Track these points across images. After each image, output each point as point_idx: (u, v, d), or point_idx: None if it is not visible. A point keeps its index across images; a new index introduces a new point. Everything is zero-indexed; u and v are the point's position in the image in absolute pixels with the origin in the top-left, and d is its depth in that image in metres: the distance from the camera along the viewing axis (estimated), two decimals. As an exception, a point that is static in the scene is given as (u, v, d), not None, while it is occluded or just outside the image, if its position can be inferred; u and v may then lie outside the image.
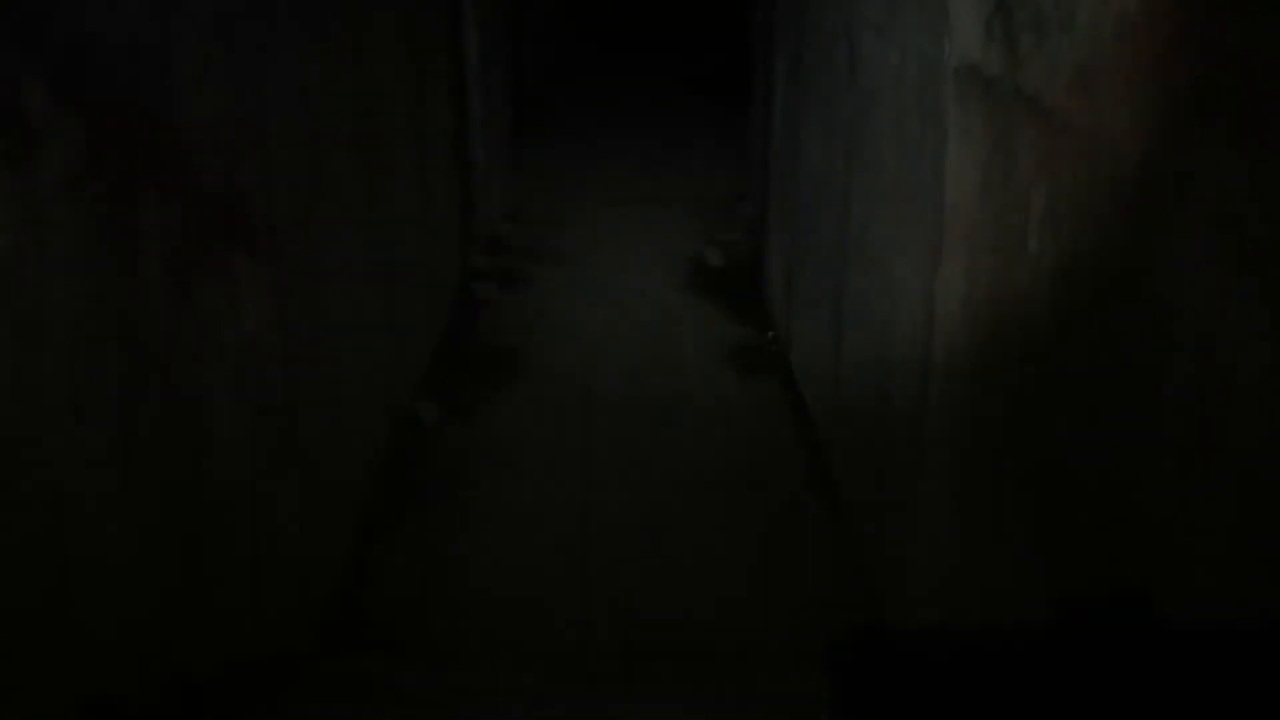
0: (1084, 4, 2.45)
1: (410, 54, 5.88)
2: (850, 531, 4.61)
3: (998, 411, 2.98)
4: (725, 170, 9.96)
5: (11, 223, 2.29)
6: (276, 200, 3.73)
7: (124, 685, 2.79)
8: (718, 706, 3.50)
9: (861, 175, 4.40)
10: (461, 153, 7.36)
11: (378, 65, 5.16)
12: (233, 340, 3.42)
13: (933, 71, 3.42)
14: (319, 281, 4.23)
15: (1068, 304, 2.55)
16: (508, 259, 8.14)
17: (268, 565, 3.71)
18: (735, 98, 11.17)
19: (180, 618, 3.09)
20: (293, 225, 3.89)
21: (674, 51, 15.18)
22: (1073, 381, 2.50)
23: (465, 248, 7.57)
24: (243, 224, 3.48)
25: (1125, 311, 2.24)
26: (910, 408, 3.70)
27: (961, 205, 3.23)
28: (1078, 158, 2.50)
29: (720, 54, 13.27)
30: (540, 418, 5.90)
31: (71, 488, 2.53)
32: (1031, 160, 2.76)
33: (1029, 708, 2.57)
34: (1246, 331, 1.79)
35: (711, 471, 5.35)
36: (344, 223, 4.59)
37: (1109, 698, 2.24)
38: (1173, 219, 2.05)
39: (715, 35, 14.52)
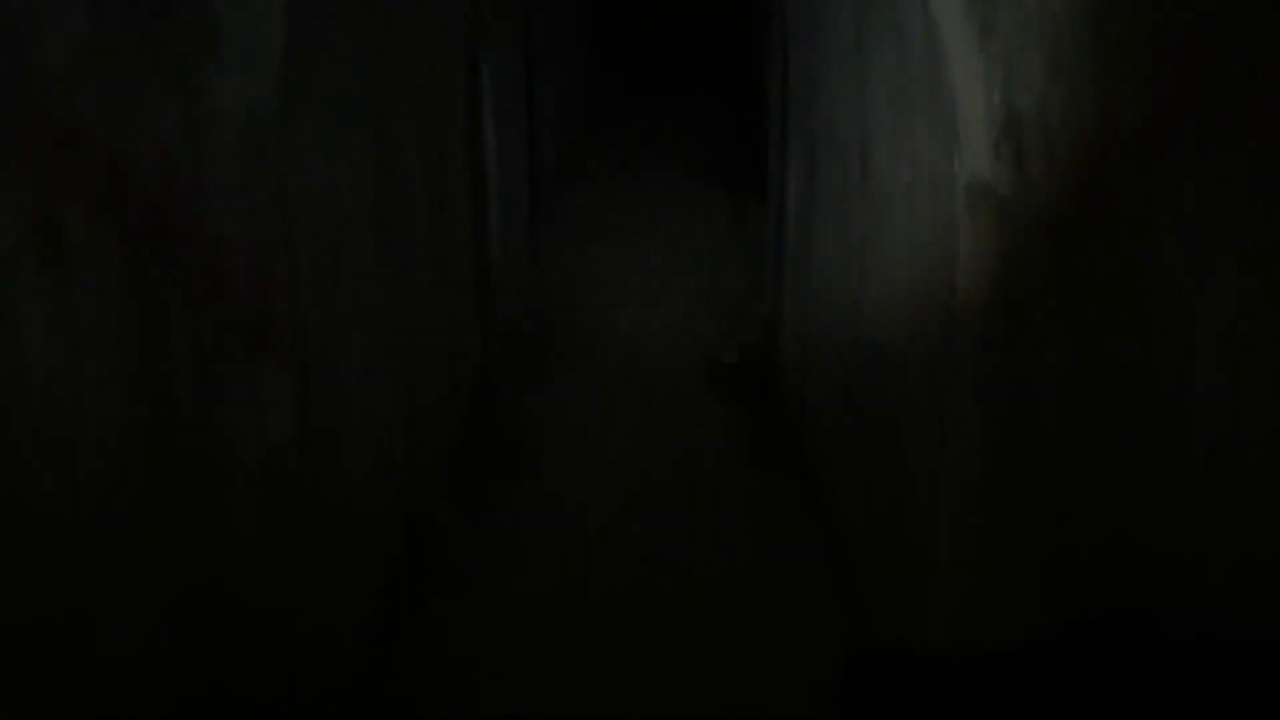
0: (1087, 130, 2.52)
1: (430, 158, 6.00)
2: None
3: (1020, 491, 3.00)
4: (738, 262, 10.05)
5: (51, 341, 2.35)
6: (301, 307, 3.80)
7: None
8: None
9: (876, 281, 4.47)
10: (480, 249, 7.47)
11: (399, 170, 5.27)
12: (256, 450, 3.47)
13: (944, 185, 3.50)
14: (341, 387, 4.29)
15: (1079, 405, 2.59)
16: (526, 354, 8.20)
17: (287, 662, 3.72)
18: (749, 189, 11.32)
19: (208, 705, 3.10)
20: (317, 332, 3.97)
21: (689, 141, 15.38)
22: (1082, 468, 2.53)
23: (484, 343, 7.64)
24: (269, 332, 3.55)
25: (1136, 417, 2.28)
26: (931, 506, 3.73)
27: (971, 311, 3.29)
28: (1087, 274, 2.56)
29: (735, 146, 13.46)
30: (557, 522, 5.91)
31: (93, 599, 2.56)
32: (1042, 274, 2.82)
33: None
34: (1249, 440, 1.83)
35: (725, 574, 5.35)
36: (366, 326, 4.66)
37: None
38: (1182, 335, 2.10)
39: (730, 129, 14.73)
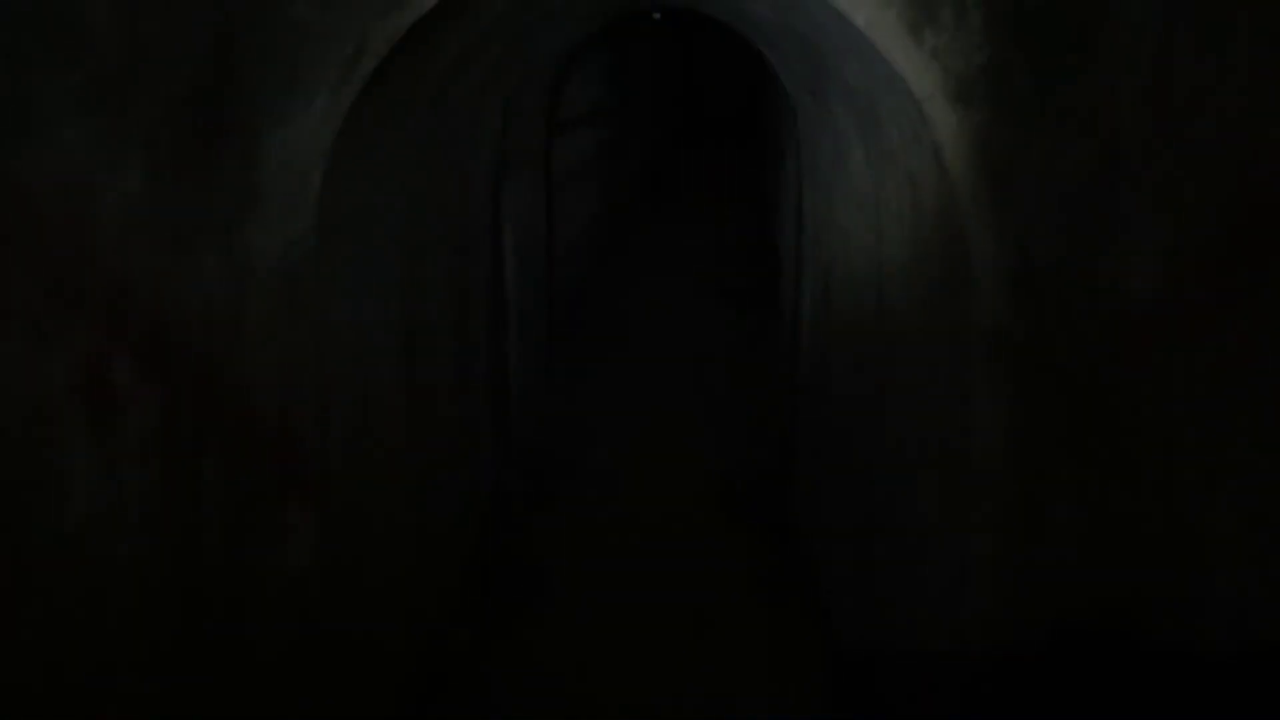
0: (1101, 291, 2.61)
1: (454, 287, 6.14)
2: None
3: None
4: (752, 384, 10.14)
5: (93, 491, 2.43)
6: (329, 441, 3.88)
7: None
8: None
9: (891, 420, 4.53)
10: (499, 376, 7.58)
11: (426, 301, 5.40)
12: (279, 585, 3.52)
13: (959, 330, 3.58)
14: (361, 519, 4.34)
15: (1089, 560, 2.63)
16: (541, 480, 8.25)
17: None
18: (764, 310, 11.47)
19: None
20: (341, 466, 4.03)
21: (705, 263, 15.63)
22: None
23: (500, 470, 7.70)
24: (295, 470, 3.62)
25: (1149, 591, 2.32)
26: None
27: (987, 460, 3.34)
28: (1101, 433, 2.62)
29: (750, 270, 13.67)
30: (568, 652, 5.90)
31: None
32: (1054, 427, 2.88)
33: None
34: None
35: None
36: (389, 456, 4.73)
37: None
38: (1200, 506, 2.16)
39: (745, 253, 14.98)
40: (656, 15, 9.43)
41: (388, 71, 3.85)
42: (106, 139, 2.43)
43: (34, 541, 2.24)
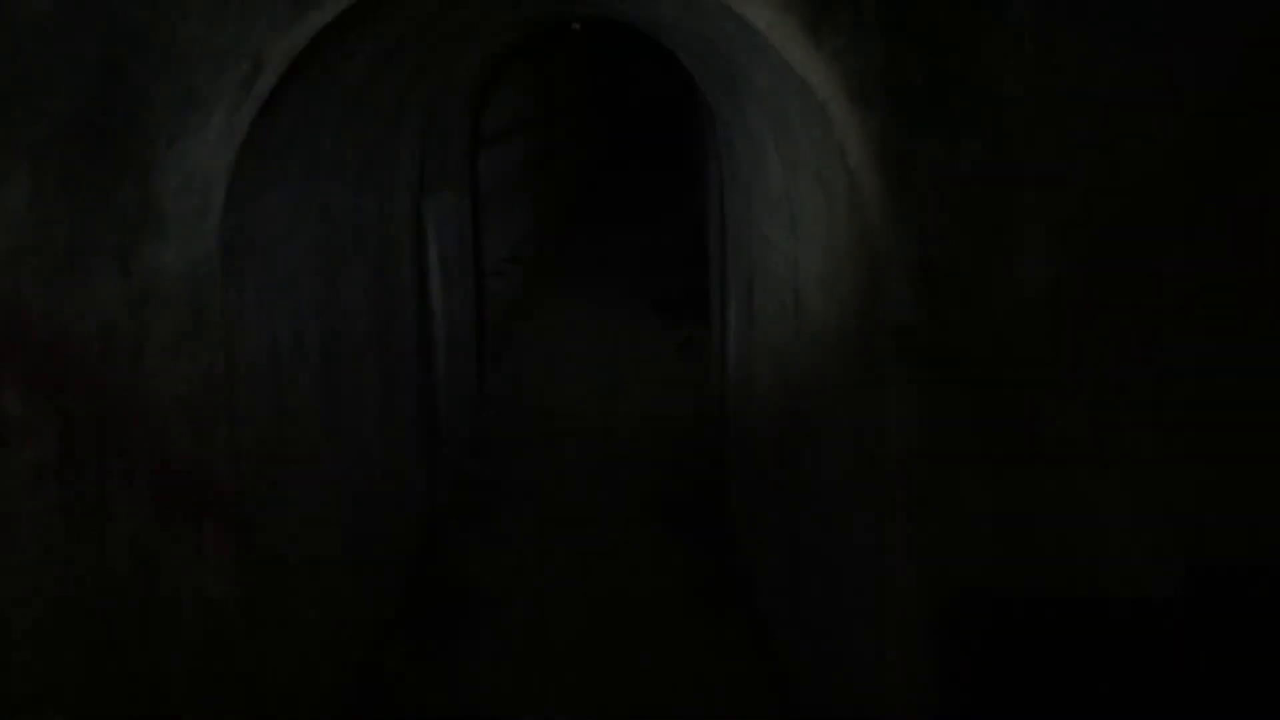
0: (993, 283, 2.64)
1: (376, 304, 6.08)
2: None
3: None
4: (684, 392, 10.17)
5: (-17, 520, 2.36)
6: (244, 465, 3.82)
7: None
8: None
9: (812, 421, 4.56)
10: (427, 393, 7.52)
11: (346, 319, 5.34)
12: (198, 610, 3.45)
13: (870, 328, 3.60)
14: (285, 542, 4.27)
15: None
16: (471, 496, 8.19)
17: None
18: (695, 319, 11.49)
19: None
20: (259, 487, 3.97)
21: (635, 274, 15.66)
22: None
23: (431, 487, 7.63)
24: (209, 494, 3.55)
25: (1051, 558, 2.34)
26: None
27: (902, 449, 3.36)
28: (1002, 423, 2.65)
29: (681, 279, 13.72)
30: (504, 675, 5.86)
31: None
32: (966, 411, 2.91)
33: None
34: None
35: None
36: (311, 477, 4.66)
37: None
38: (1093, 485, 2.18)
39: (676, 262, 15.03)
40: (576, 26, 9.42)
41: (290, 86, 3.80)
42: (-14, 161, 2.38)
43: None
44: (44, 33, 2.51)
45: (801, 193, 4.42)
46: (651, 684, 5.65)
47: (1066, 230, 2.59)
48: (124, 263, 3.03)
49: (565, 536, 7.60)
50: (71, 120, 2.71)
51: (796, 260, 4.71)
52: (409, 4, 4.55)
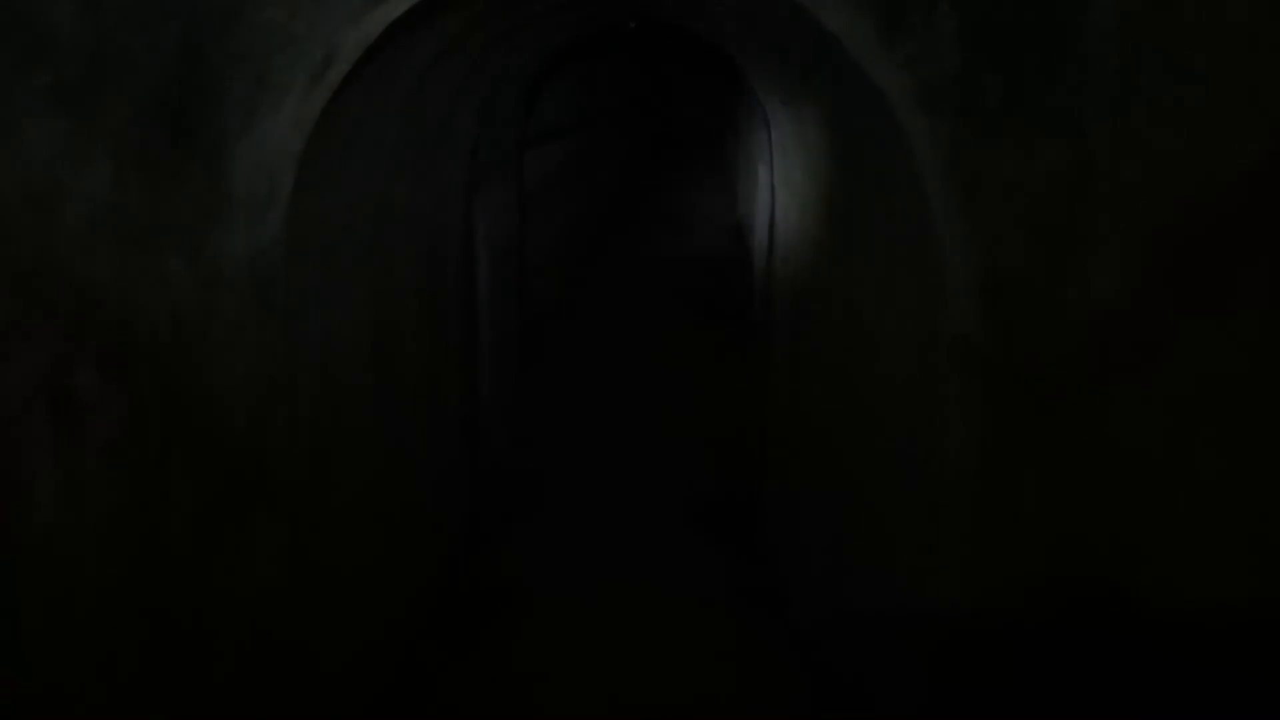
0: (1066, 296, 2.62)
1: (426, 299, 6.11)
2: None
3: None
4: (724, 400, 10.14)
5: (55, 497, 2.39)
6: (298, 453, 3.84)
7: None
8: None
9: (863, 430, 4.54)
10: (471, 390, 7.54)
11: (397, 313, 5.37)
12: (249, 597, 3.48)
13: (931, 339, 3.58)
14: (332, 531, 4.30)
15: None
16: (513, 494, 8.22)
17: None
18: (739, 323, 11.45)
19: None
20: (311, 476, 4.00)
21: (677, 275, 15.63)
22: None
23: (472, 484, 7.66)
24: (265, 479, 3.58)
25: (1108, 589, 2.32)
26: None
27: (961, 459, 3.34)
28: (1066, 436, 2.63)
29: (724, 282, 13.67)
30: (540, 667, 5.88)
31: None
32: (1028, 426, 2.89)
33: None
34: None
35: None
36: (360, 468, 4.69)
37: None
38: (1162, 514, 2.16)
39: (715, 262, 14.99)
40: (632, 25, 9.43)
41: (358, 77, 3.82)
42: (72, 141, 2.40)
43: (-4, 548, 2.21)
44: (127, 15, 2.54)
45: (861, 199, 4.41)
46: (689, 694, 5.65)
47: (1145, 244, 2.56)
48: (195, 245, 3.06)
49: (602, 534, 7.61)
50: (150, 103, 2.74)
51: (852, 267, 4.70)
52: (462, 10, 4.57)
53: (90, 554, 2.54)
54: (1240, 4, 2.69)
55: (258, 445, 3.53)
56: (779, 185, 7.00)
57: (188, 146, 2.97)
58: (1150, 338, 2.40)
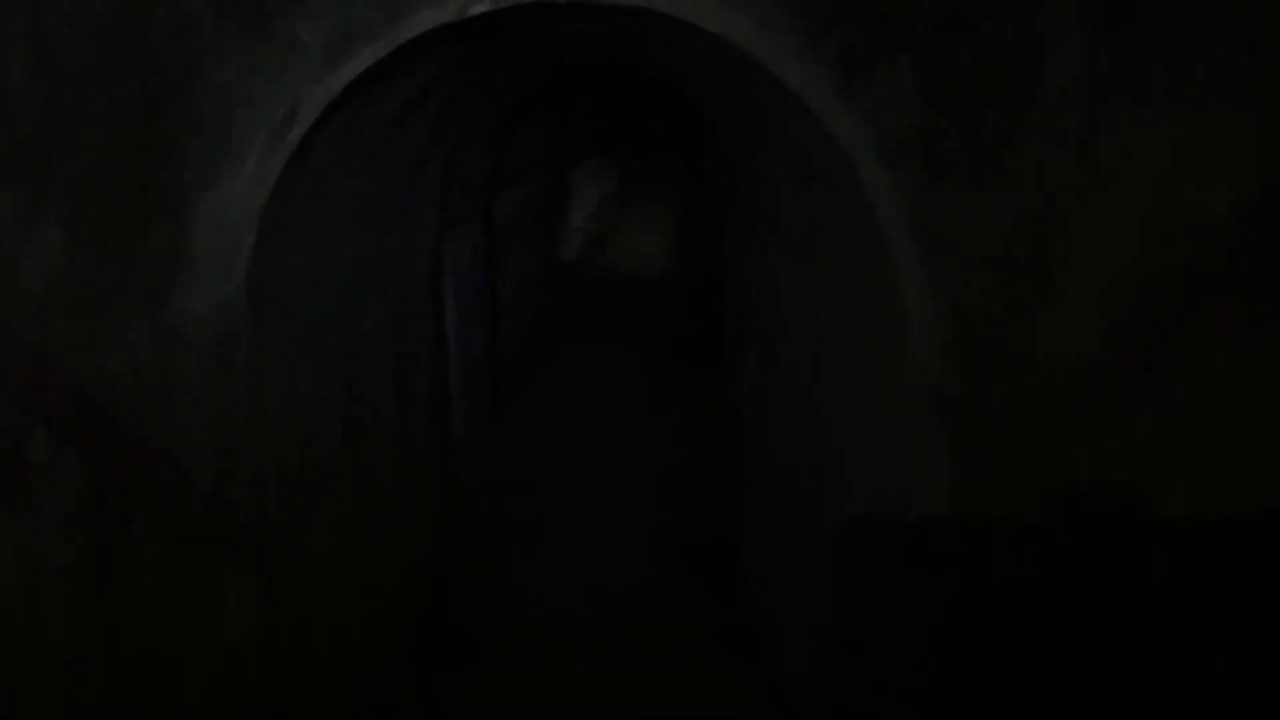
0: (1030, 344, 2.63)
1: (395, 343, 6.08)
2: None
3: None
4: (695, 441, 10.13)
5: (7, 566, 2.35)
6: (268, 507, 3.80)
7: None
8: None
9: (830, 471, 4.53)
10: (443, 431, 7.50)
11: (366, 359, 5.33)
12: (216, 653, 3.43)
13: (897, 385, 3.59)
14: (303, 589, 4.25)
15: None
16: (484, 534, 8.17)
17: None
18: (708, 366, 11.47)
19: None
20: (281, 533, 3.95)
21: (648, 317, 15.64)
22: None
23: (445, 526, 7.61)
24: (233, 536, 3.54)
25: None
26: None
27: (930, 508, 3.34)
28: (1036, 482, 2.63)
29: (694, 322, 13.69)
30: (517, 709, 5.83)
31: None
32: (998, 476, 2.89)
33: None
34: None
35: None
36: (332, 517, 4.65)
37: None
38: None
39: (685, 307, 15.01)
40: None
41: (321, 132, 3.81)
42: (23, 205, 2.38)
43: (-55, 624, 2.17)
44: (82, 76, 2.53)
45: (827, 249, 4.42)
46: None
47: (1111, 291, 2.58)
48: (154, 306, 3.04)
49: (578, 576, 7.58)
50: (107, 163, 2.73)
51: (819, 316, 4.71)
52: (436, 54, 4.58)
53: (49, 621, 2.50)
54: (1206, 55, 2.73)
55: (225, 503, 3.49)
56: (746, 232, 7.03)
57: (146, 206, 2.96)
58: (1118, 383, 2.41)
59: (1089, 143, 2.92)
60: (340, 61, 3.42)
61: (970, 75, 3.03)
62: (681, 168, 23.16)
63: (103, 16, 2.79)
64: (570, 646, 6.54)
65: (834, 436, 4.54)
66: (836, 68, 3.10)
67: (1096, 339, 2.72)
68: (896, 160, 3.11)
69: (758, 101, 4.37)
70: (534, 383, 12.39)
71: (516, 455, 10.08)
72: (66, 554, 2.57)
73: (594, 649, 6.49)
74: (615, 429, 10.94)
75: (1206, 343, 2.73)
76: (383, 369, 5.74)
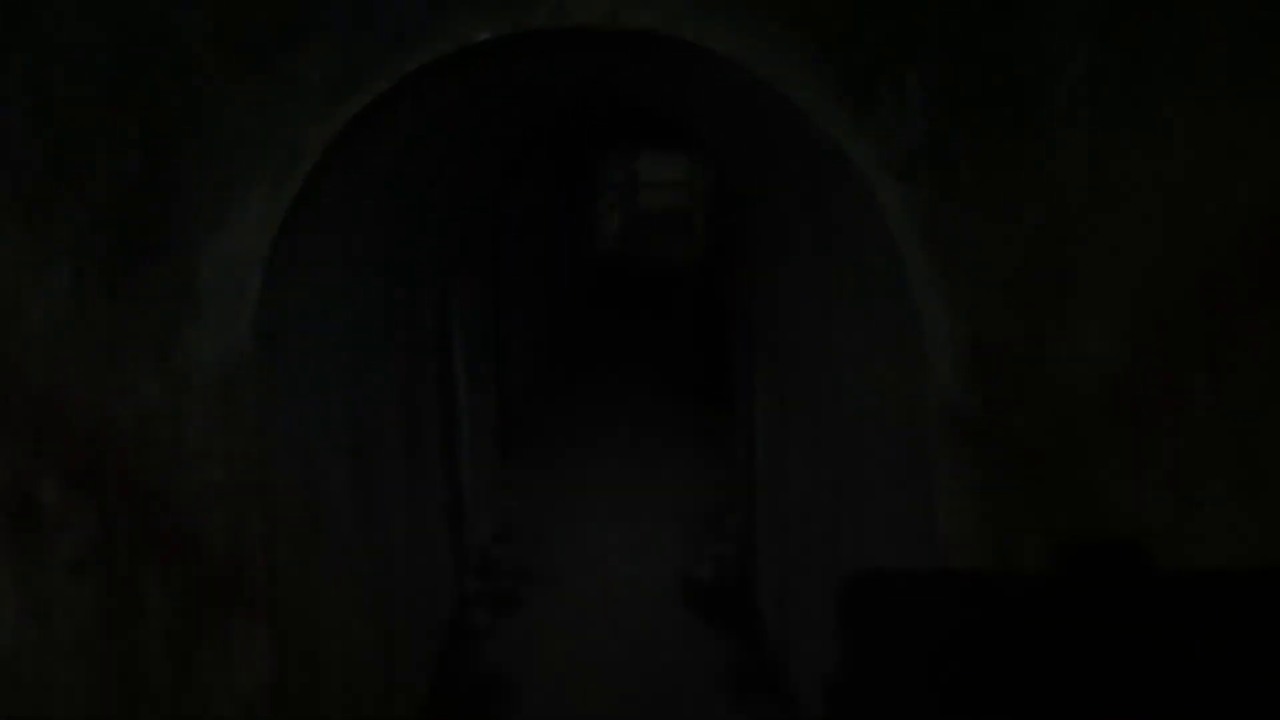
0: (1052, 363, 2.57)
1: (403, 390, 6.04)
2: None
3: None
4: (707, 477, 10.06)
5: (19, 615, 2.29)
6: (278, 555, 3.74)
7: None
8: None
9: (851, 501, 4.47)
10: (452, 478, 7.44)
11: (374, 404, 5.29)
12: (228, 705, 3.35)
13: (915, 410, 3.53)
14: (316, 638, 4.18)
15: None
16: (498, 581, 8.08)
17: None
18: (717, 405, 11.40)
19: None
20: (292, 578, 3.88)
21: (655, 358, 15.60)
22: None
23: (457, 574, 7.53)
24: (243, 586, 3.47)
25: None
26: None
27: (954, 534, 3.27)
28: (1060, 499, 2.57)
29: (702, 363, 13.65)
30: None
31: None
32: (1020, 496, 2.83)
33: None
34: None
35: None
36: (343, 566, 4.58)
37: None
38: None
39: (695, 345, 14.98)
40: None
41: (325, 174, 3.79)
42: (28, 250, 2.35)
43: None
44: (85, 121, 2.50)
45: (838, 271, 4.38)
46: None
47: (1133, 311, 2.53)
48: (162, 350, 3.00)
49: (593, 620, 7.48)
50: (111, 207, 2.69)
51: (832, 340, 4.66)
52: (431, 97, 4.56)
53: (60, 671, 2.43)
54: (1218, 60, 2.69)
55: (234, 550, 3.43)
56: (754, 259, 7.00)
57: (152, 251, 2.93)
58: (1146, 399, 2.35)
59: (1102, 154, 2.88)
60: (341, 99, 3.40)
61: (979, 91, 3.00)
62: (689, 204, 23.24)
63: (103, 56, 2.77)
64: (590, 690, 6.45)
65: (851, 465, 4.47)
66: (846, 86, 3.07)
67: (1120, 355, 2.67)
68: (908, 178, 3.07)
69: (766, 125, 4.34)
70: (543, 424, 12.33)
71: (527, 499, 10.00)
72: (78, 602, 2.51)
73: (613, 692, 6.39)
74: (626, 470, 10.86)
75: (1235, 353, 2.68)
76: (391, 414, 5.69)
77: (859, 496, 4.38)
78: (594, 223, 21.27)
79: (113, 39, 2.89)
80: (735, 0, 3.12)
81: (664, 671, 6.62)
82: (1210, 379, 2.39)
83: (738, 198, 7.41)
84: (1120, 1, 2.95)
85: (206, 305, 3.26)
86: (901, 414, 3.71)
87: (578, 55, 4.23)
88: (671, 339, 16.31)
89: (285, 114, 3.28)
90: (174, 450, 3.04)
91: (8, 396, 2.29)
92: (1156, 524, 2.23)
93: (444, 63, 3.39)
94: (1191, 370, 2.34)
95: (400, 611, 5.69)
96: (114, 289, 2.72)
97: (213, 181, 3.19)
